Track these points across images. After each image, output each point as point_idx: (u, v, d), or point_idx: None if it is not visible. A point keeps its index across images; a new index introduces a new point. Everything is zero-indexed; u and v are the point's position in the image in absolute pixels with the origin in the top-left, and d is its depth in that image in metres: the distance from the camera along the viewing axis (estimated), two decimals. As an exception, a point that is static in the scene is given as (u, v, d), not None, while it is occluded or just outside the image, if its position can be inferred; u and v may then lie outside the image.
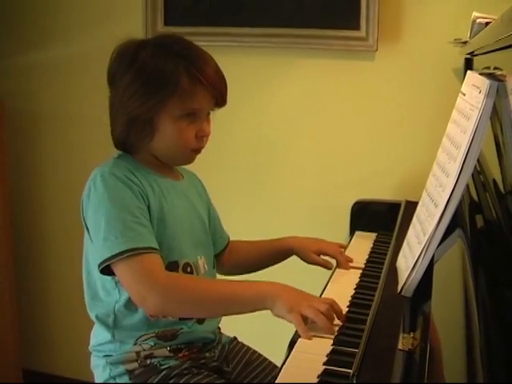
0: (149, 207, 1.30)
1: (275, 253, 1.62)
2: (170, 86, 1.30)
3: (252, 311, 1.25)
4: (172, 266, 1.32)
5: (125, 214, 1.24)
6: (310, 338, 1.20)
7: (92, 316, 1.37)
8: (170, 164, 1.43)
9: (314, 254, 1.60)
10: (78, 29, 2.45)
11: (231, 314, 1.29)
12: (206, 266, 1.41)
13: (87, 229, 1.32)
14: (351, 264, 1.62)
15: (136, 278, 1.23)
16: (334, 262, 1.64)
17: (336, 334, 1.22)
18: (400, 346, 1.02)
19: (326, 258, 1.64)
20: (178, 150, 1.37)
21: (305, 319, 1.21)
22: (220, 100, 1.36)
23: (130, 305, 1.29)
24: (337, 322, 1.24)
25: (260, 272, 1.78)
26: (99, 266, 1.24)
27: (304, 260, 1.61)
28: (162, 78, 1.30)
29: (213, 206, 1.58)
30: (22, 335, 2.59)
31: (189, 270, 1.36)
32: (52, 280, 2.67)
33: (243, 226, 2.30)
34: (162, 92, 1.30)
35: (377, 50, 2.06)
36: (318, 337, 1.21)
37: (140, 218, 1.26)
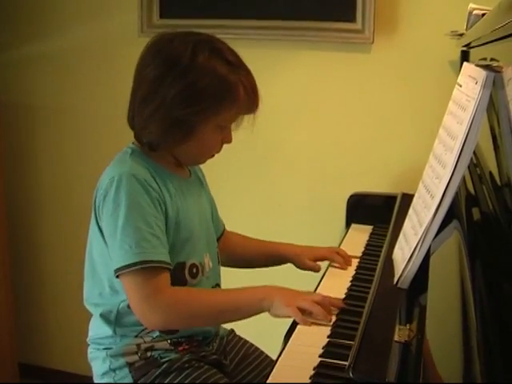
0: (166, 213, 1.29)
1: (269, 257, 1.62)
2: (231, 97, 1.27)
3: (252, 315, 1.28)
4: (178, 268, 1.31)
5: (141, 222, 1.22)
6: (309, 325, 1.23)
7: (91, 309, 1.36)
8: (186, 164, 1.42)
9: (309, 260, 1.59)
10: (73, 22, 2.43)
11: (232, 322, 1.31)
12: (210, 263, 1.41)
13: (98, 227, 1.30)
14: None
15: (140, 294, 1.23)
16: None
17: (332, 326, 1.22)
18: (396, 338, 1.02)
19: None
20: (203, 155, 1.38)
21: (302, 312, 1.24)
22: (254, 110, 1.34)
23: None
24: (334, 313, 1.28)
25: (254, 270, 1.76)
26: (115, 272, 1.23)
27: (298, 267, 1.60)
28: (223, 88, 1.26)
29: (210, 192, 1.56)
30: (17, 330, 2.59)
31: (194, 270, 1.35)
32: (48, 275, 2.66)
33: (239, 218, 2.30)
34: (221, 101, 1.27)
35: (373, 43, 2.06)
36: (317, 324, 1.23)
37: (155, 229, 1.24)
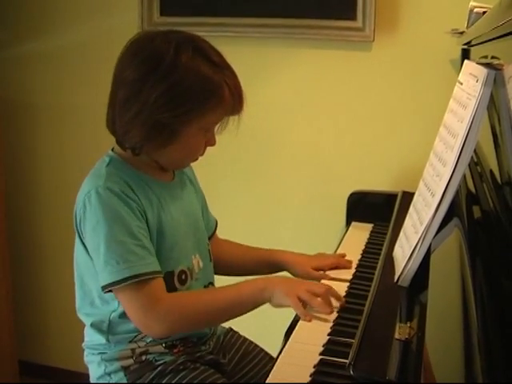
0: (147, 223, 1.26)
1: (263, 264, 1.56)
2: (216, 98, 1.23)
3: (255, 308, 1.27)
4: (167, 276, 1.29)
5: (124, 235, 1.20)
6: (309, 320, 1.23)
7: (83, 319, 1.35)
8: (169, 169, 1.37)
9: (313, 270, 1.51)
10: (73, 20, 2.43)
11: (236, 317, 1.29)
12: (200, 263, 1.39)
13: (81, 240, 1.27)
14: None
15: (139, 308, 1.21)
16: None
17: (332, 324, 1.22)
18: (397, 336, 1.02)
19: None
20: (186, 158, 1.34)
21: (303, 304, 1.24)
22: (238, 112, 1.31)
23: (125, 315, 1.26)
24: (336, 305, 1.28)
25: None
26: (102, 288, 1.22)
27: (299, 276, 1.51)
28: (208, 88, 1.22)
29: (200, 188, 1.52)
30: (17, 327, 2.59)
31: (183, 277, 1.33)
32: (47, 274, 2.67)
33: (239, 217, 2.30)
34: (205, 102, 1.23)
35: (374, 41, 2.05)
36: (318, 319, 1.23)
37: (141, 240, 1.22)
